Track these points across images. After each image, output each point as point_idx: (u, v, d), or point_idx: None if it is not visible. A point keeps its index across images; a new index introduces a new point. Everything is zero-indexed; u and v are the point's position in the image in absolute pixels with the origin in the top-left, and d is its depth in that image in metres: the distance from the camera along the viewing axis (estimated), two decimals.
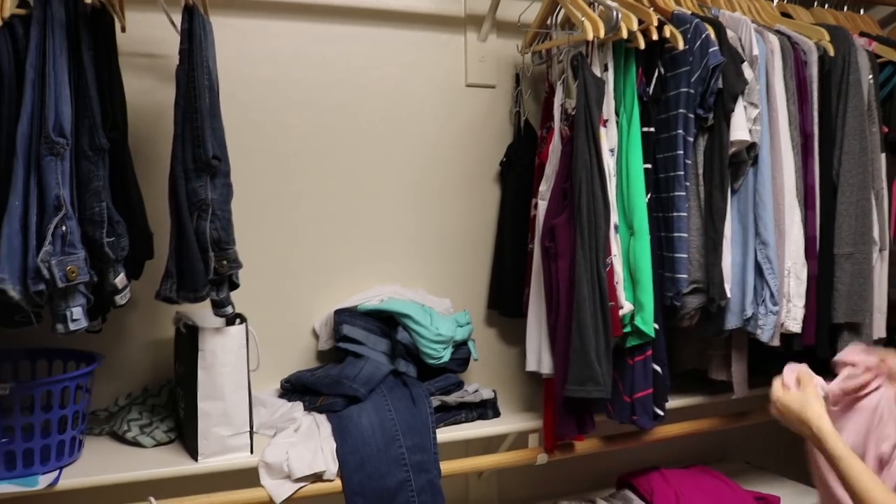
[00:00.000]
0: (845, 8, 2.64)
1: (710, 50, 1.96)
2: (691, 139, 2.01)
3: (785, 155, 2.12)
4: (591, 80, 1.91)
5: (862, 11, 2.71)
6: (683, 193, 2.00)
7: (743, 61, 2.04)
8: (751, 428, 2.56)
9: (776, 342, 2.12)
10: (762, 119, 2.09)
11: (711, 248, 2.03)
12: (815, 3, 2.60)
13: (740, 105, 2.03)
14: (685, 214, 2.00)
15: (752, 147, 2.07)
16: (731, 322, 2.10)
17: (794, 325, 2.12)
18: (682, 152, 1.99)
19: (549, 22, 2.22)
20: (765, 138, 2.10)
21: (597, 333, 1.87)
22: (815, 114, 2.20)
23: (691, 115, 2.00)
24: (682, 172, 1.99)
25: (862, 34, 2.42)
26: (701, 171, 2.06)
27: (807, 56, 2.20)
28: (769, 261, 2.09)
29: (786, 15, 2.44)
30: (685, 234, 2.00)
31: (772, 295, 2.09)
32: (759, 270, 2.11)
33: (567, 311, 1.91)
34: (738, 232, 2.11)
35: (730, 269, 2.08)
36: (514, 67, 2.42)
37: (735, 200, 2.10)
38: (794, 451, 2.80)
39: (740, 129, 2.02)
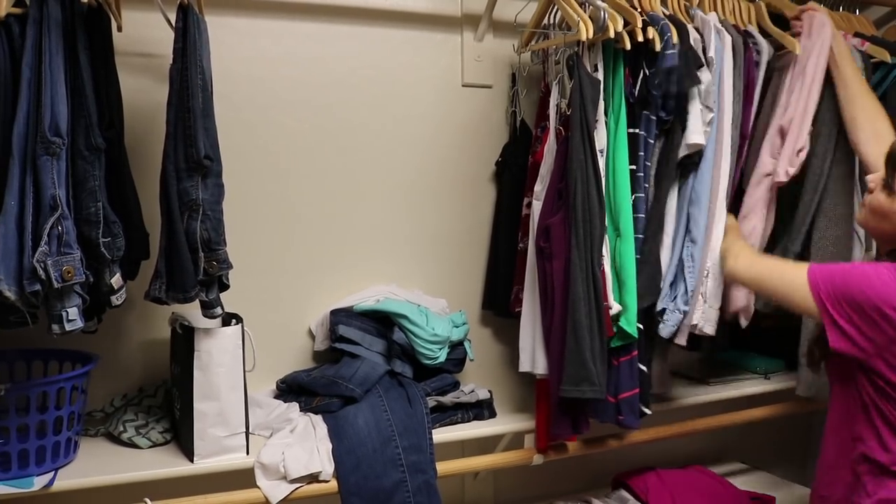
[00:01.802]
0: (841, 8, 2.64)
1: (668, 53, 1.96)
2: (652, 141, 2.02)
3: (725, 156, 2.09)
4: (587, 80, 1.91)
5: (857, 12, 2.71)
6: (643, 195, 2.01)
7: (702, 64, 2.03)
8: (746, 428, 2.57)
9: (682, 341, 2.09)
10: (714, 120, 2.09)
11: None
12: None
13: (696, 108, 2.03)
14: (643, 216, 2.02)
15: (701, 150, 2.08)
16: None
17: (709, 327, 2.08)
18: (642, 153, 2.00)
19: (545, 22, 2.22)
20: (710, 138, 2.09)
21: (591, 334, 1.87)
22: (753, 113, 2.19)
23: (653, 117, 2.00)
24: (641, 173, 2.00)
25: (857, 35, 2.42)
26: (653, 172, 2.06)
27: (759, 56, 2.19)
28: (692, 259, 2.08)
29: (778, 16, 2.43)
30: (641, 236, 2.02)
31: (685, 292, 2.08)
32: (681, 267, 2.10)
33: (562, 312, 1.90)
34: (671, 229, 2.11)
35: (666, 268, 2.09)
36: (511, 67, 2.42)
37: (674, 199, 2.11)
38: (789, 452, 2.81)
39: (696, 133, 2.02)
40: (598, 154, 1.96)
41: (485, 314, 2.46)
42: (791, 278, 1.69)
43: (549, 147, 2.01)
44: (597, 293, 1.88)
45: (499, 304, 2.38)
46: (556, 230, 1.92)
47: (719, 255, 2.02)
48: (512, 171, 2.35)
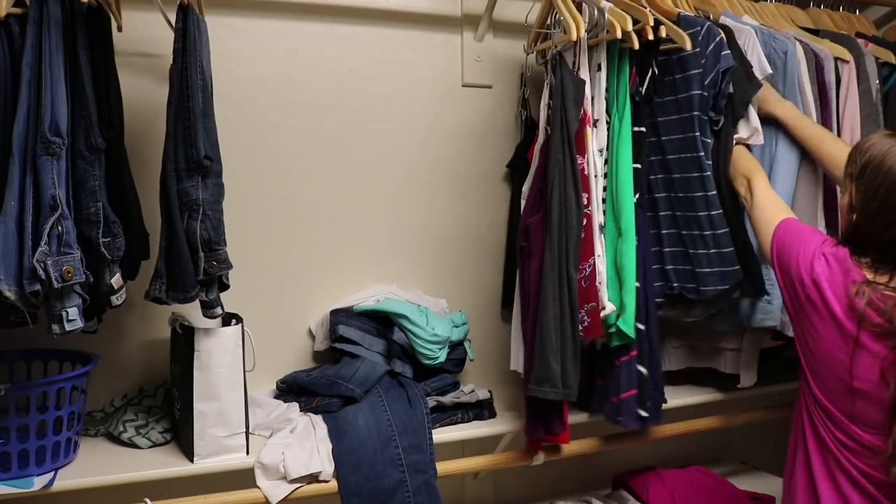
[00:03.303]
0: (841, 8, 2.64)
1: (723, 53, 1.97)
2: (709, 141, 2.02)
3: (811, 161, 2.16)
4: (570, 80, 1.89)
5: (857, 12, 2.71)
6: (714, 192, 2.00)
7: (751, 67, 2.04)
8: (746, 428, 2.56)
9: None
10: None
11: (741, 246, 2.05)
12: (812, 4, 2.60)
13: (752, 110, 2.05)
14: (720, 212, 2.00)
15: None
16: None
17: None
18: (703, 153, 1.99)
19: (548, 22, 2.21)
20: (790, 144, 2.13)
21: (559, 334, 1.83)
22: (834, 119, 2.23)
23: (705, 118, 2.00)
24: (709, 173, 1.99)
25: (858, 35, 2.42)
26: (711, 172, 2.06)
27: (824, 62, 2.23)
28: None
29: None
30: (727, 229, 2.01)
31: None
32: None
33: (535, 311, 1.89)
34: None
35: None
36: (520, 67, 2.41)
37: None
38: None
39: (745, 129, 2.04)
40: (598, 153, 1.95)
41: (486, 314, 2.46)
42: (767, 222, 1.82)
43: (539, 146, 2.01)
44: (571, 293, 1.84)
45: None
46: (534, 230, 1.91)
47: (734, 177, 2.04)
48: (519, 172, 2.35)
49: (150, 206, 1.81)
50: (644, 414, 2.03)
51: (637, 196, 1.99)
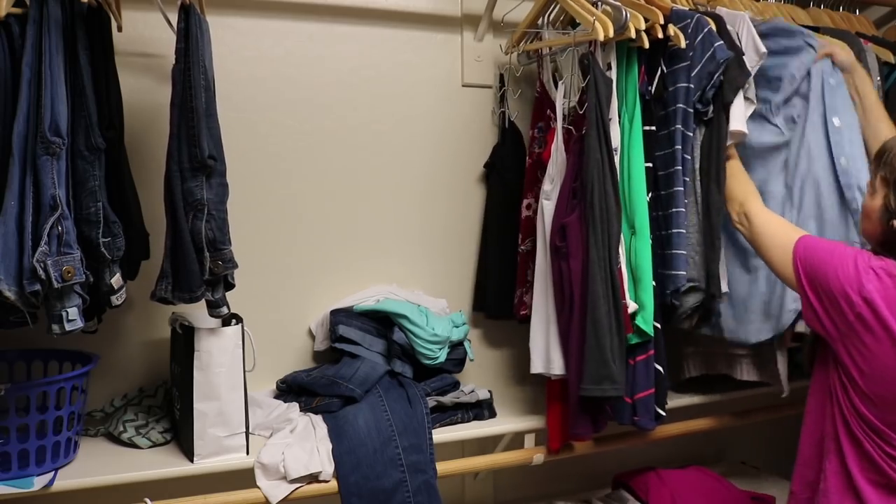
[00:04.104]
0: (841, 8, 2.64)
1: (717, 44, 1.95)
2: (690, 134, 1.99)
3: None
4: (602, 80, 1.90)
5: (857, 12, 2.71)
6: (681, 189, 1.98)
7: (742, 55, 2.04)
8: (746, 428, 2.56)
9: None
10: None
11: (709, 244, 2.02)
12: (812, 4, 2.60)
13: (740, 98, 2.02)
14: (683, 210, 1.99)
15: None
16: None
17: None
18: (679, 147, 1.97)
19: (539, 22, 2.21)
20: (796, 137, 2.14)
21: (611, 332, 1.85)
22: None
23: (690, 110, 1.98)
24: (680, 167, 1.98)
25: (858, 35, 2.42)
26: (697, 165, 2.04)
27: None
28: None
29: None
30: (683, 231, 1.99)
31: None
32: None
33: (581, 311, 1.89)
34: None
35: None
36: (497, 67, 2.41)
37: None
38: (789, 452, 2.81)
39: (738, 120, 2.01)
40: (614, 152, 1.95)
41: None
42: (781, 243, 1.73)
43: (558, 147, 2.00)
44: (615, 291, 1.87)
45: (489, 306, 2.37)
46: (572, 229, 1.91)
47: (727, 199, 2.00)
48: (500, 173, 2.35)
49: (151, 206, 1.80)
50: (662, 413, 2.04)
51: (650, 195, 1.98)
